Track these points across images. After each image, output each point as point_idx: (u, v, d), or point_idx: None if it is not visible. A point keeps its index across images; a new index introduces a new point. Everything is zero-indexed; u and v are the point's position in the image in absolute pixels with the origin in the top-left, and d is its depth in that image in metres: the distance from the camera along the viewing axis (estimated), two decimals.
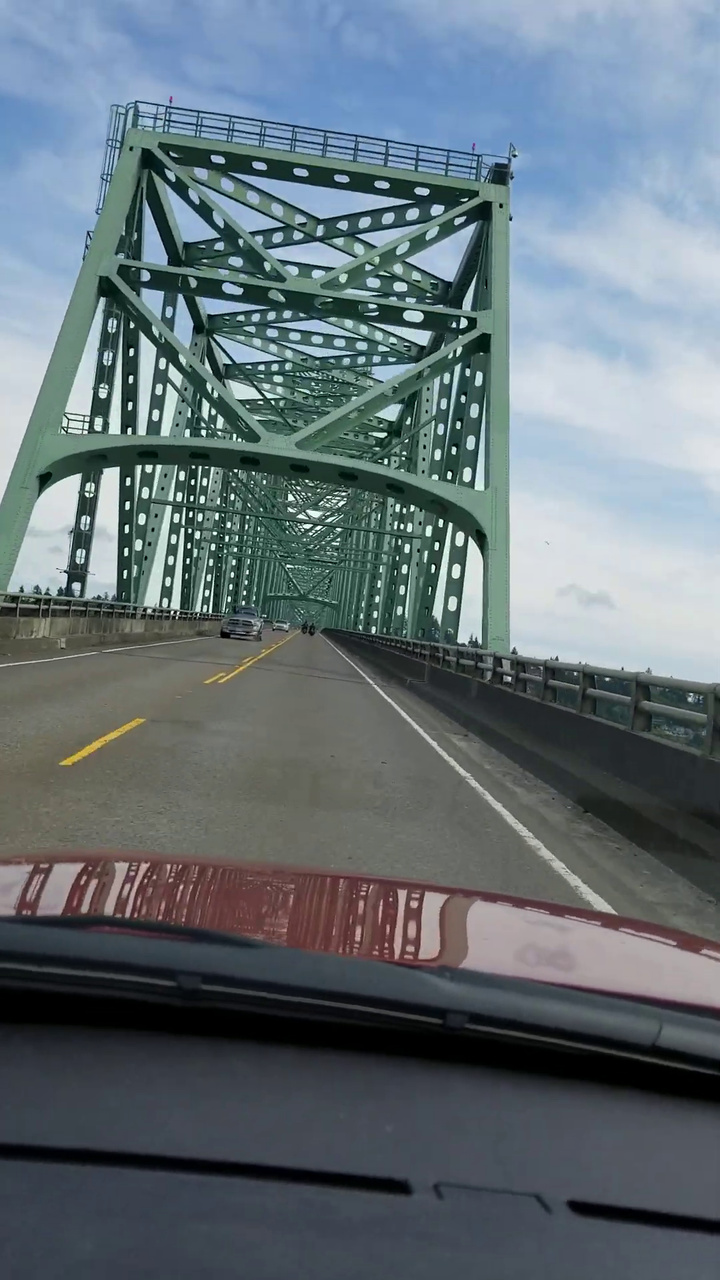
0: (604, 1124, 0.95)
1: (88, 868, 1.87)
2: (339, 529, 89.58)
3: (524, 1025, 0.96)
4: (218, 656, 30.45)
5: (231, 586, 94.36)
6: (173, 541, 54.06)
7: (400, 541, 56.66)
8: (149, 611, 41.39)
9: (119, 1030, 0.96)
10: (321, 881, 2.17)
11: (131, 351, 36.42)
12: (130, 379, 36.89)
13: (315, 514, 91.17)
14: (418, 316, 34.70)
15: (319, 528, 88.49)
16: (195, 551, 61.08)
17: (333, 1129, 0.87)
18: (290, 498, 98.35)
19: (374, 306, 34.40)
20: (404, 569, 54.16)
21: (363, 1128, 0.87)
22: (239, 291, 34.09)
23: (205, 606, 73.68)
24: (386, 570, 61.70)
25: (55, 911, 1.47)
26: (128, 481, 38.56)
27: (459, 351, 32.93)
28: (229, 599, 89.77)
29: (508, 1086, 0.97)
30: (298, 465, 31.36)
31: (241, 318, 46.39)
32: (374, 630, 65.76)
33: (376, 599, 67.87)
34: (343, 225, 37.40)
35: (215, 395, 31.66)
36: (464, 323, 33.24)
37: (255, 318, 46.01)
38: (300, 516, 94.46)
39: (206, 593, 76.91)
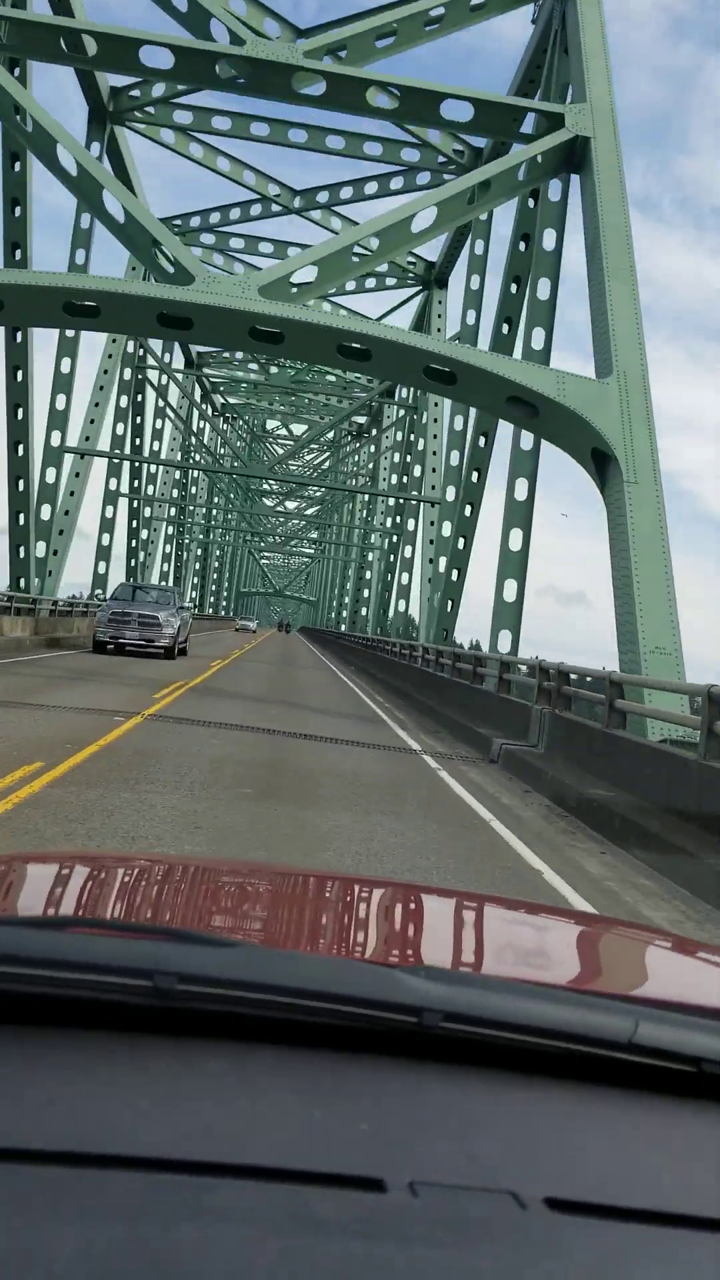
0: (580, 1121, 0.96)
1: (62, 868, 1.87)
2: (317, 521, 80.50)
3: (500, 1024, 0.97)
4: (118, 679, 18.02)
5: (197, 580, 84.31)
6: (108, 514, 40.50)
7: (384, 536, 46.01)
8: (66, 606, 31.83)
9: (95, 1031, 0.96)
10: (300, 880, 2.15)
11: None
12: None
13: (293, 505, 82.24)
14: (465, 111, 18.92)
15: (296, 521, 79.42)
16: (145, 532, 50.43)
17: (309, 1128, 0.87)
18: (267, 487, 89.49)
19: (394, 89, 18.51)
20: (406, 555, 40.46)
21: (339, 1127, 0.88)
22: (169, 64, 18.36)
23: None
24: (380, 561, 49.01)
25: (29, 912, 1.47)
26: (19, 414, 24.88)
27: (539, 160, 17.39)
28: (194, 593, 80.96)
29: (484, 1085, 0.98)
30: (264, 330, 15.97)
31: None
32: (351, 627, 59.63)
33: (365, 593, 57.62)
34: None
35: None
36: (537, 124, 18.34)
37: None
38: (277, 508, 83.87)
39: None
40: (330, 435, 65.68)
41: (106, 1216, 0.72)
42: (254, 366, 50.82)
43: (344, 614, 66.03)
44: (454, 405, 30.55)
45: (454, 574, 25.51)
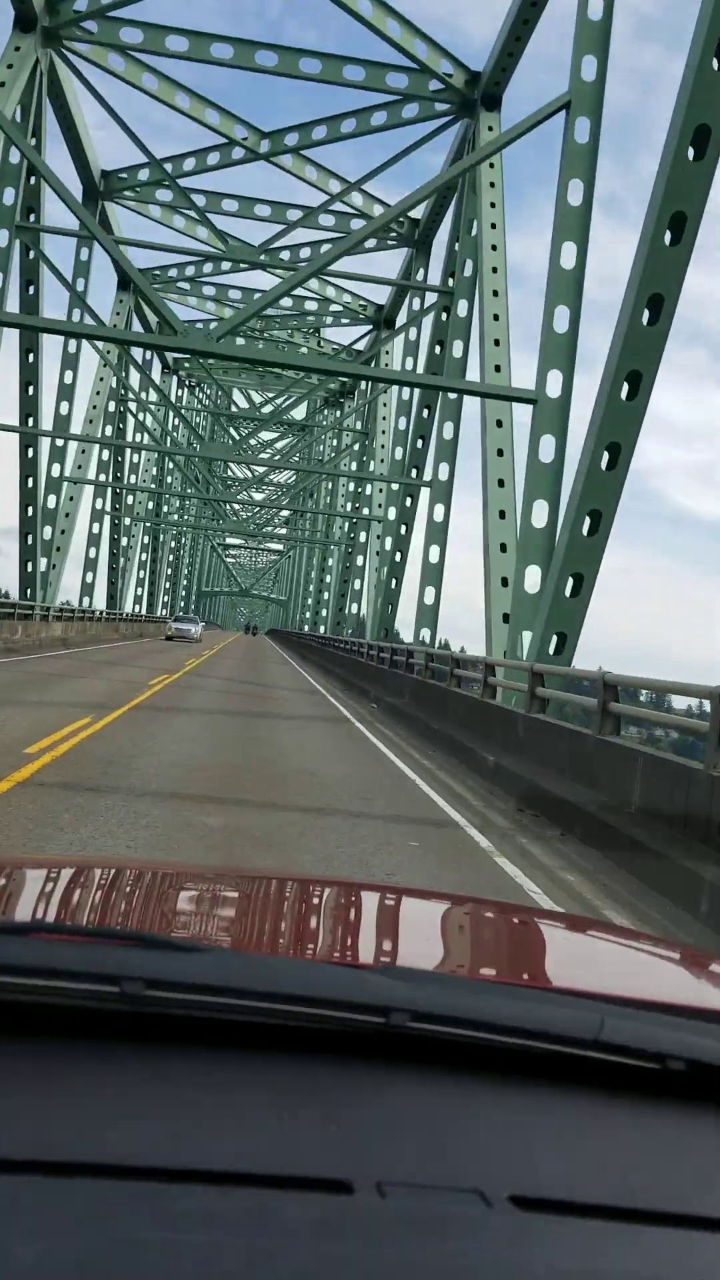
0: (547, 1119, 0.97)
1: (29, 873, 1.84)
2: (286, 509, 72.42)
3: (467, 1022, 0.97)
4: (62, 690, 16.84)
5: (169, 585, 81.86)
6: (94, 530, 44.15)
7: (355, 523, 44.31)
8: (57, 611, 34.51)
9: (62, 1038, 0.96)
10: (267, 884, 2.16)
11: None
12: None
13: (259, 495, 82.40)
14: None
15: (264, 511, 78.31)
16: (124, 540, 52.40)
17: (277, 1131, 0.87)
18: (231, 470, 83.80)
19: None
20: (371, 552, 39.18)
21: (306, 1129, 0.88)
22: None
23: (137, 606, 64.46)
24: (339, 562, 48.75)
25: None
26: (29, 453, 29.52)
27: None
28: (166, 596, 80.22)
29: (451, 1084, 0.98)
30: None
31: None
32: (322, 629, 56.74)
33: (342, 587, 51.55)
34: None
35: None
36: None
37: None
38: (241, 497, 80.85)
39: (139, 590, 68.31)
40: (299, 410, 62.49)
41: (74, 1224, 0.72)
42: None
43: (309, 615, 64.33)
44: (397, 407, 33.08)
45: (393, 582, 30.32)
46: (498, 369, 19.27)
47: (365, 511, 38.77)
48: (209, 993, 0.95)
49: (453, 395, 25.21)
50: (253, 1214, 0.75)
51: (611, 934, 2.17)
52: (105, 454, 43.40)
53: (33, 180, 23.96)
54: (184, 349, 18.60)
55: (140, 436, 51.01)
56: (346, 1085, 0.96)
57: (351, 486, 46.05)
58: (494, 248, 20.12)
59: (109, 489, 45.84)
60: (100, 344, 24.85)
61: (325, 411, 60.87)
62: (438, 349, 27.29)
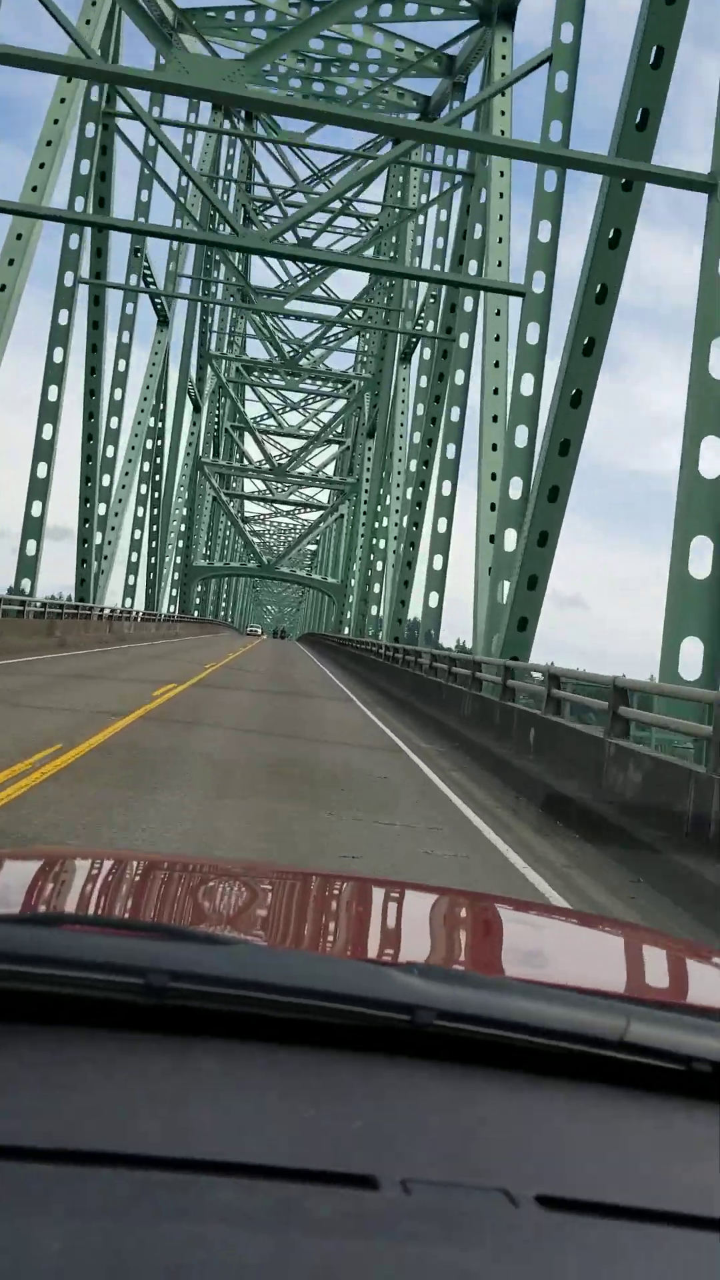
0: (572, 1119, 0.96)
1: (56, 865, 1.85)
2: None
3: (492, 1021, 0.97)
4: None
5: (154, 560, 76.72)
6: (136, 536, 44.68)
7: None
8: (106, 613, 35.59)
9: (86, 1029, 0.96)
10: (294, 879, 2.15)
11: None
12: None
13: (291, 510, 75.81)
14: None
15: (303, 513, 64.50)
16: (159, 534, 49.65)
17: (301, 1126, 0.87)
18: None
19: None
20: None
21: (331, 1125, 0.88)
22: None
23: (172, 607, 61.95)
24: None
25: (20, 909, 1.46)
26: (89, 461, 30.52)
27: None
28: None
29: (476, 1083, 0.98)
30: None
31: None
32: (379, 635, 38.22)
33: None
34: None
35: None
36: None
37: None
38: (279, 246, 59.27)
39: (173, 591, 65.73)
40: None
41: (97, 1214, 0.72)
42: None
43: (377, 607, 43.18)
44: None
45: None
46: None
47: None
48: (232, 986, 0.95)
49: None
50: (277, 1208, 0.75)
51: (632, 933, 2.17)
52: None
53: None
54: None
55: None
56: (371, 1081, 0.96)
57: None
58: None
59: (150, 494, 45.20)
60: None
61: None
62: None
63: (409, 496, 32.42)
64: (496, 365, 21.56)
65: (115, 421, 35.14)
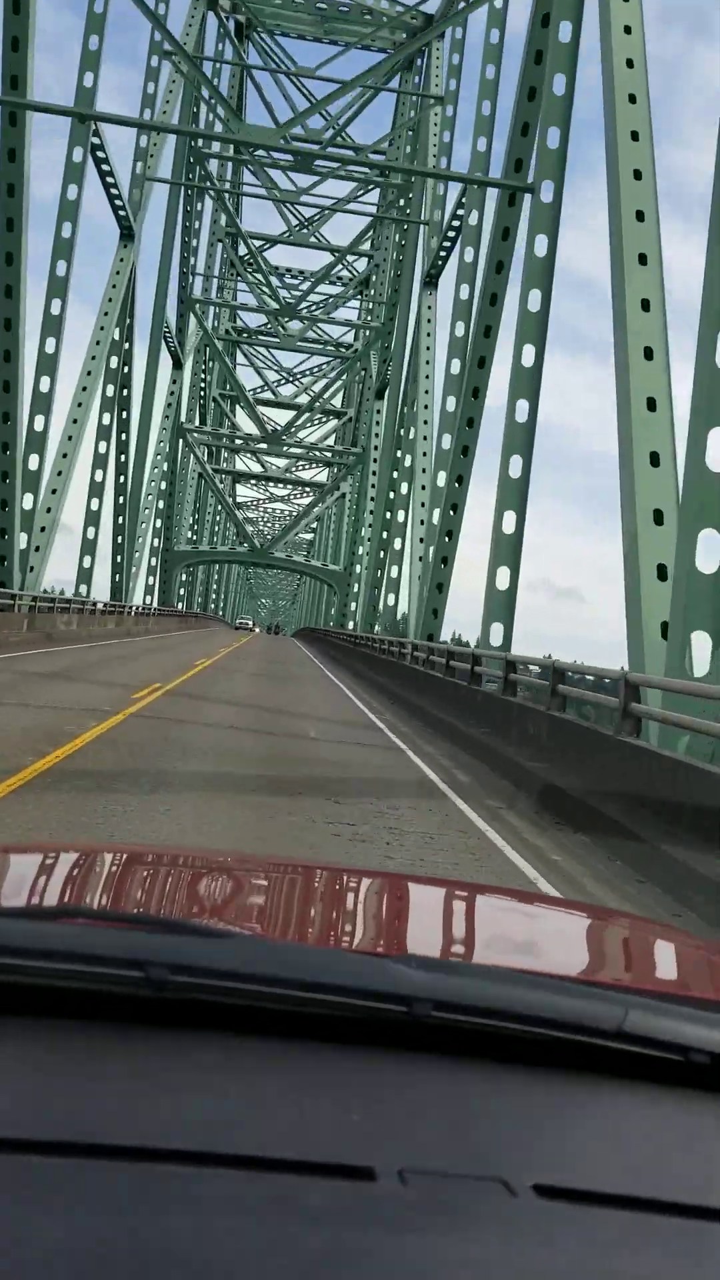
0: (569, 1109, 0.96)
1: (55, 859, 1.84)
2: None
3: (489, 1012, 0.97)
4: None
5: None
6: (94, 506, 35.28)
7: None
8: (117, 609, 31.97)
9: (87, 1022, 0.96)
10: (293, 872, 2.15)
11: None
12: None
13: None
14: None
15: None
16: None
17: (300, 1118, 0.87)
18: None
19: None
20: None
21: (329, 1116, 0.88)
22: None
23: (148, 597, 54.95)
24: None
25: (22, 903, 1.46)
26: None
27: None
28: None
29: (473, 1073, 0.98)
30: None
31: None
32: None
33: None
34: None
35: None
36: None
37: None
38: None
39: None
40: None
41: (97, 1206, 0.72)
42: None
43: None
44: None
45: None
46: None
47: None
48: (232, 979, 0.95)
49: None
50: (275, 1199, 0.75)
51: (635, 924, 2.14)
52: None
53: None
54: None
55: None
56: (368, 1073, 0.96)
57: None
58: None
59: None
60: None
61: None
62: None
63: (445, 447, 25.44)
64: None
65: (53, 344, 26.21)
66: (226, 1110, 0.86)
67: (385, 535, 37.41)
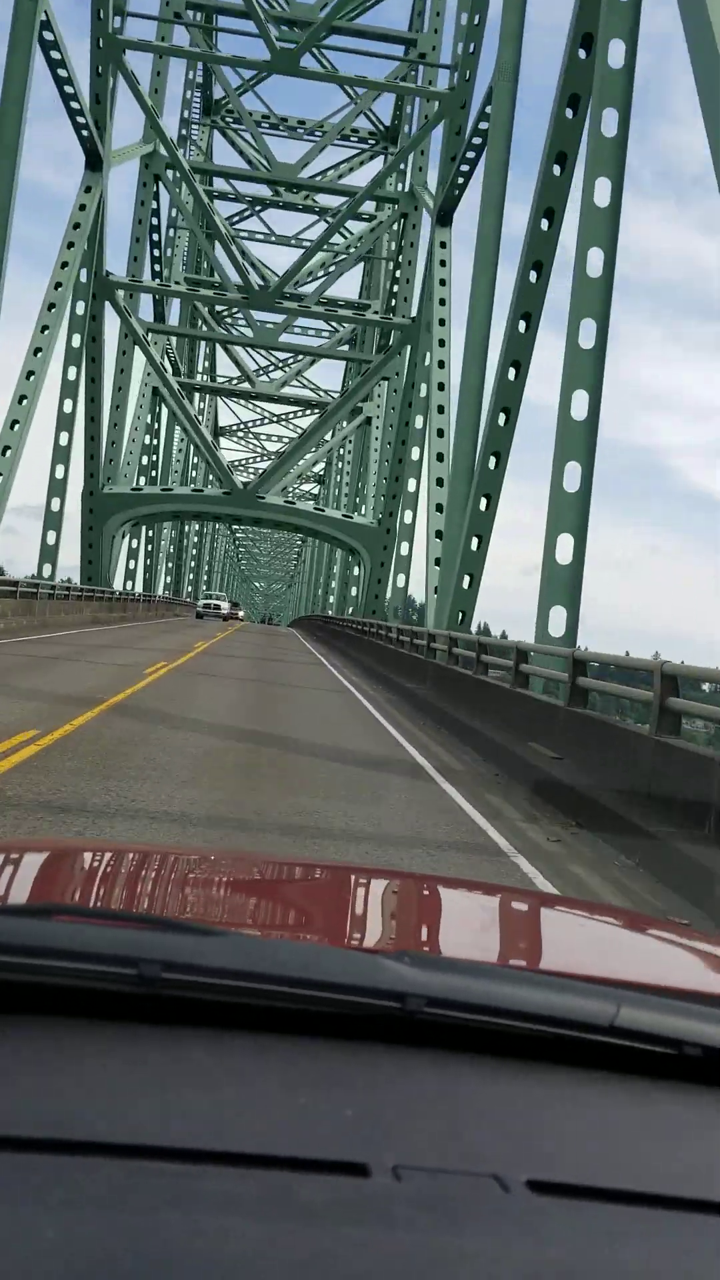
0: (563, 1104, 0.96)
1: (47, 856, 1.84)
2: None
3: (482, 1008, 0.97)
4: None
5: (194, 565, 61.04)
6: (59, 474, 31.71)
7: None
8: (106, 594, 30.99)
9: (80, 1019, 0.96)
10: (286, 869, 2.15)
11: None
12: None
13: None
14: None
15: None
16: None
17: (293, 1114, 0.87)
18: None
19: None
20: None
21: (322, 1112, 0.88)
22: None
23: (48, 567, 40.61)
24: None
25: (14, 900, 1.45)
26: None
27: None
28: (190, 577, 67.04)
29: (467, 1069, 0.98)
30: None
31: None
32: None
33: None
34: None
35: None
36: None
37: None
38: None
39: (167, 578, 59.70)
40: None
41: (91, 1203, 0.72)
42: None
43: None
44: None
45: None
46: None
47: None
48: (225, 976, 0.95)
49: None
50: (269, 1196, 0.75)
51: (627, 919, 2.14)
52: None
53: None
54: None
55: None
56: (362, 1069, 0.95)
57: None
58: None
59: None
60: None
61: None
62: None
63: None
64: None
65: None
66: (220, 1107, 0.86)
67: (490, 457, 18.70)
